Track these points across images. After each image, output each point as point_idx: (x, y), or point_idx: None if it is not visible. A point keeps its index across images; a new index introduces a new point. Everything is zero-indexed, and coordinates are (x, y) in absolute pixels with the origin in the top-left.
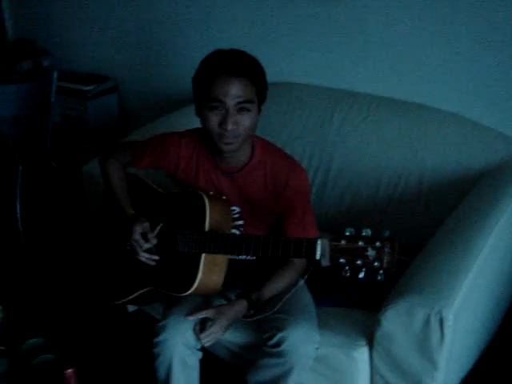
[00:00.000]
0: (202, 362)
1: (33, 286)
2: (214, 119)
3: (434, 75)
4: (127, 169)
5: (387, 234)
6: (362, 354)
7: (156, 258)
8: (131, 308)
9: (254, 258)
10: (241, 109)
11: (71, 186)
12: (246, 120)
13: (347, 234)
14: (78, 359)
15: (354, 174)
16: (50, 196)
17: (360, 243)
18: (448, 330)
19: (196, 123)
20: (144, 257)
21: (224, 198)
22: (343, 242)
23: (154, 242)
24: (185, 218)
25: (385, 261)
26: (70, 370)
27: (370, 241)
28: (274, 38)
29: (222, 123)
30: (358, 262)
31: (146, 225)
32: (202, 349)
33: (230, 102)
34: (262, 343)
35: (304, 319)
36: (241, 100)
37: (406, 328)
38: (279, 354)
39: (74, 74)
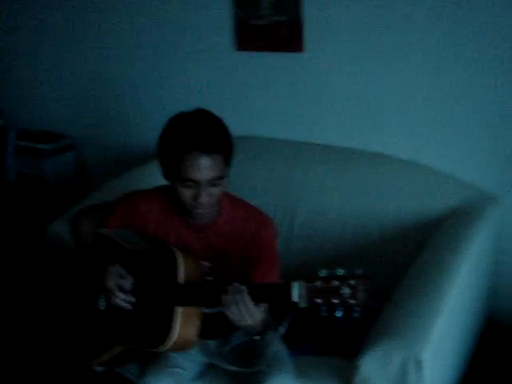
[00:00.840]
0: None
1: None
2: (187, 193)
3: (389, 124)
4: (95, 229)
5: (360, 271)
6: None
7: (133, 300)
8: (99, 368)
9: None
10: (214, 183)
11: (31, 248)
12: (218, 190)
13: (322, 275)
14: None
15: (319, 225)
16: (8, 257)
17: (335, 283)
18: (425, 372)
19: (158, 180)
20: (119, 297)
21: (194, 252)
22: (318, 283)
23: (130, 283)
24: (156, 272)
25: (360, 297)
26: None
27: (344, 280)
28: (233, 93)
29: (195, 197)
30: (334, 301)
31: (119, 267)
32: None
33: (203, 180)
34: None
35: (282, 371)
36: (214, 177)
37: (384, 372)
38: None
39: (29, 132)
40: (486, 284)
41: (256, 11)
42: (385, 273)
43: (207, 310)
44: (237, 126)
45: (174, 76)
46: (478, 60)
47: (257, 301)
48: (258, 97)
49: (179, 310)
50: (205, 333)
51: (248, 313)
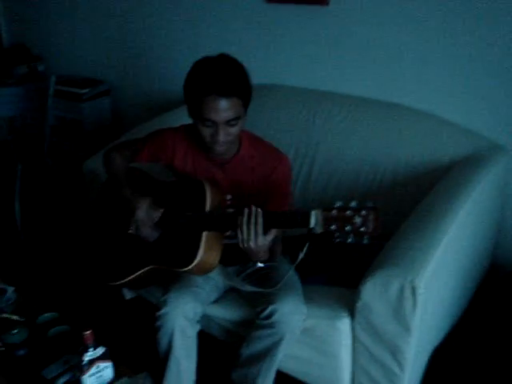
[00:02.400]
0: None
1: (39, 271)
2: (206, 131)
3: (408, 77)
4: (128, 163)
5: (370, 204)
6: (344, 324)
7: (156, 235)
8: (128, 295)
9: None
10: (230, 124)
11: (68, 184)
12: (235, 130)
13: (337, 205)
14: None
15: (336, 167)
16: (48, 194)
17: (348, 212)
18: (420, 298)
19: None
20: (143, 234)
21: (218, 186)
22: (334, 212)
23: (158, 216)
24: (185, 202)
25: (370, 226)
26: (88, 332)
27: (356, 210)
28: (261, 44)
29: (214, 135)
30: (347, 228)
31: (149, 200)
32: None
33: (221, 120)
34: (255, 317)
35: (292, 293)
36: (230, 118)
37: (383, 298)
38: (270, 325)
39: (69, 78)
40: (491, 229)
41: None
42: (396, 213)
43: (227, 241)
44: (264, 75)
45: (205, 26)
46: (493, 18)
47: (278, 226)
48: (285, 47)
49: (205, 234)
50: (225, 260)
51: (255, 236)
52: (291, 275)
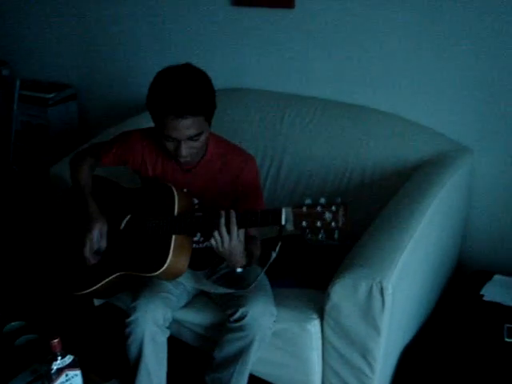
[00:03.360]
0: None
1: (5, 279)
2: (169, 145)
3: (373, 78)
4: (94, 169)
5: (339, 200)
6: (314, 326)
7: (93, 262)
8: (97, 302)
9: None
10: (193, 139)
11: (35, 190)
12: (198, 143)
13: (307, 202)
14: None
15: (304, 170)
16: (14, 200)
17: (318, 208)
18: (388, 298)
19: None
20: (87, 255)
21: (185, 190)
22: (304, 209)
23: (104, 246)
24: (153, 207)
25: (340, 221)
26: (55, 341)
27: (326, 206)
28: (227, 47)
29: (177, 149)
30: (318, 224)
31: (105, 228)
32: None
33: (182, 137)
34: (226, 320)
35: (262, 295)
36: (192, 134)
37: (352, 299)
38: (241, 328)
39: (34, 82)
40: (457, 229)
41: None
42: (364, 213)
43: (196, 246)
44: (230, 78)
45: (172, 29)
46: (457, 26)
47: (249, 226)
48: (252, 51)
49: (174, 238)
50: (194, 264)
51: (229, 237)
52: (261, 277)
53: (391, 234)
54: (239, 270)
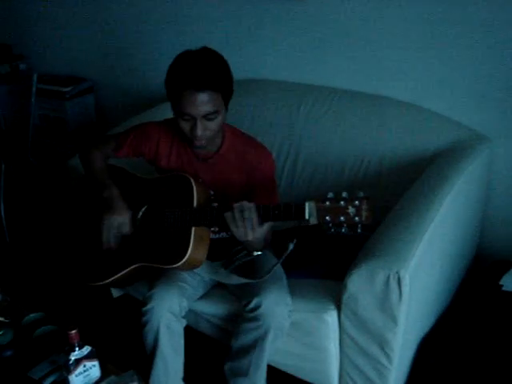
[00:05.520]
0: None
1: (24, 272)
2: (185, 125)
3: (390, 68)
4: (108, 159)
5: (361, 194)
6: (331, 316)
7: (113, 248)
8: (116, 293)
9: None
10: (209, 118)
11: (53, 183)
12: (213, 124)
13: (329, 196)
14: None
15: (320, 160)
16: (33, 194)
17: (341, 203)
18: (405, 288)
19: None
20: (106, 243)
21: (200, 181)
22: (327, 203)
23: (128, 231)
24: (171, 198)
25: (363, 215)
26: (73, 332)
27: (349, 200)
28: (242, 38)
29: (193, 129)
30: (341, 219)
31: (126, 213)
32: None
33: (198, 114)
34: (241, 310)
35: (276, 285)
36: (208, 111)
37: (369, 289)
38: (256, 318)
39: (52, 76)
40: (475, 218)
41: None
42: (381, 204)
43: (214, 236)
44: (245, 69)
45: (187, 21)
46: (471, 9)
47: (273, 219)
48: (266, 41)
49: (194, 230)
50: (210, 255)
51: (252, 229)
52: (276, 268)
53: (408, 224)
54: (258, 253)
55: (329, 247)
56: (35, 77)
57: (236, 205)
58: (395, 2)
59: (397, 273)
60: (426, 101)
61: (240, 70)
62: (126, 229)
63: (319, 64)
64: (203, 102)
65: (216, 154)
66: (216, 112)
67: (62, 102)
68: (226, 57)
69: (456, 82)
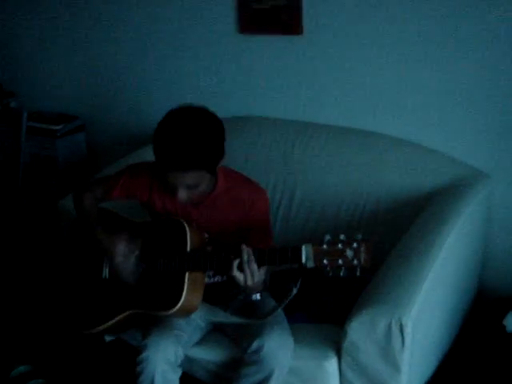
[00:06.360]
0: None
1: (12, 319)
2: (171, 187)
3: (386, 105)
4: (100, 202)
5: (360, 236)
6: (331, 364)
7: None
8: (108, 338)
9: (224, 279)
10: (191, 187)
11: (43, 224)
12: (197, 191)
13: (327, 239)
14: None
15: (316, 200)
16: (23, 234)
17: (339, 246)
18: (408, 336)
19: None
20: (129, 275)
21: (194, 225)
22: (325, 246)
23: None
24: (163, 243)
25: (362, 258)
26: None
27: (347, 243)
28: (235, 74)
29: (175, 192)
30: (339, 262)
31: (126, 234)
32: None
33: (180, 184)
34: (242, 353)
35: (277, 326)
36: (190, 184)
37: (370, 336)
38: (259, 361)
39: (42, 114)
40: (476, 257)
41: None
42: (379, 244)
43: (208, 280)
44: (239, 106)
45: (180, 59)
46: (466, 47)
47: (267, 263)
48: (260, 78)
49: (188, 275)
50: (208, 298)
51: (252, 274)
52: (276, 309)
53: (409, 268)
54: (258, 297)
55: (328, 289)
56: (25, 114)
57: (246, 249)
58: (391, 39)
59: (399, 320)
60: (422, 137)
61: (231, 106)
62: (138, 245)
63: (313, 100)
64: (186, 179)
65: (209, 197)
66: (199, 184)
67: (52, 141)
68: (216, 92)
69: (453, 117)
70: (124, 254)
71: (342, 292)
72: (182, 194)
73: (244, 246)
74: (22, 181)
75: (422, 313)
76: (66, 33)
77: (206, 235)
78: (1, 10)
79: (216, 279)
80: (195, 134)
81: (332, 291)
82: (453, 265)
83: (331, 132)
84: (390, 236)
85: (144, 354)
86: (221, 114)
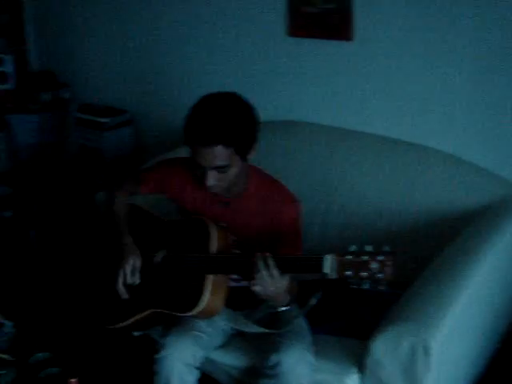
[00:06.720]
0: None
1: (41, 305)
2: (198, 172)
3: (433, 117)
4: (134, 195)
5: (387, 248)
6: (353, 380)
7: (126, 297)
8: (136, 332)
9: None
10: (220, 170)
11: (85, 213)
12: (226, 176)
13: (351, 250)
14: (81, 373)
15: (355, 209)
16: (59, 225)
17: (364, 257)
18: (432, 359)
19: None
20: (120, 289)
21: (223, 224)
22: (348, 257)
23: (137, 281)
24: (188, 243)
25: (387, 272)
26: (73, 380)
27: (372, 255)
28: (282, 78)
29: (203, 178)
30: (363, 274)
31: (138, 262)
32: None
33: (208, 166)
34: (261, 365)
35: (297, 341)
36: (217, 165)
37: (394, 355)
38: (276, 376)
39: (92, 106)
40: None
41: None
42: (415, 261)
43: (235, 284)
44: (285, 111)
45: (226, 59)
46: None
47: (288, 271)
48: (307, 83)
49: (209, 278)
50: (232, 303)
51: (272, 282)
52: (299, 322)
53: (442, 288)
54: (283, 308)
55: (352, 302)
56: (74, 107)
57: (259, 256)
58: (441, 49)
59: (424, 340)
60: (469, 153)
61: (274, 109)
62: (136, 278)
63: (360, 109)
64: (212, 155)
65: (238, 198)
66: (227, 165)
67: (100, 133)
68: (260, 95)
69: (503, 134)
70: (131, 270)
71: (366, 305)
72: (211, 178)
73: (260, 254)
74: (68, 170)
75: (452, 335)
76: (117, 28)
77: (234, 238)
78: (59, 2)
79: (243, 283)
80: (224, 109)
81: (357, 304)
82: (488, 289)
83: (375, 142)
84: (427, 253)
85: (162, 354)
86: (267, 116)
